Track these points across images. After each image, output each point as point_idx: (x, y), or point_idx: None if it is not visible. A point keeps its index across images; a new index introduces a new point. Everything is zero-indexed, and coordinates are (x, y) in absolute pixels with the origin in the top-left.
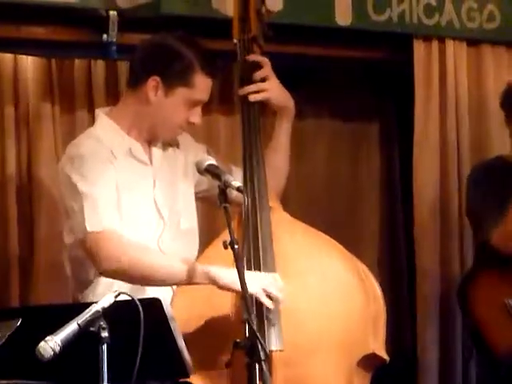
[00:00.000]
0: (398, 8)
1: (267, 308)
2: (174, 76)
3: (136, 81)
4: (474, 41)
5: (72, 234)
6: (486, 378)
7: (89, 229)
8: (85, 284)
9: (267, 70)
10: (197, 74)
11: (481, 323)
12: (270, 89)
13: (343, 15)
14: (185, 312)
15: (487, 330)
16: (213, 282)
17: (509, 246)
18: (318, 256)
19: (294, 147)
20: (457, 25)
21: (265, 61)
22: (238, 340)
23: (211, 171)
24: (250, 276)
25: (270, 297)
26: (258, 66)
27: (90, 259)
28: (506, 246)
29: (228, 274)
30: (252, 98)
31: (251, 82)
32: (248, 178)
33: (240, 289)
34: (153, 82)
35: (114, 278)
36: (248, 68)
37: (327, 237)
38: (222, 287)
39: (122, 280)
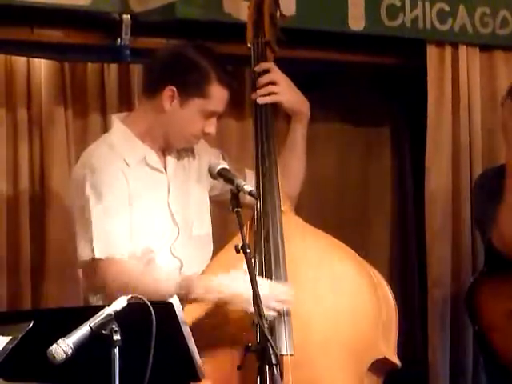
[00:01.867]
0: (411, 13)
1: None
2: (191, 87)
3: (152, 89)
4: (486, 46)
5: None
6: None
7: (96, 254)
8: (98, 287)
9: (275, 74)
10: (213, 85)
11: (487, 330)
12: (280, 92)
13: (356, 20)
14: (196, 315)
15: (494, 337)
16: (218, 300)
17: (505, 245)
18: (328, 260)
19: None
20: (470, 30)
21: (272, 66)
22: (249, 344)
23: (223, 175)
24: (261, 282)
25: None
26: (268, 72)
27: (96, 280)
28: (503, 245)
29: (230, 293)
30: (261, 99)
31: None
32: (260, 181)
33: (239, 307)
34: (169, 91)
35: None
36: (259, 75)
37: (338, 241)
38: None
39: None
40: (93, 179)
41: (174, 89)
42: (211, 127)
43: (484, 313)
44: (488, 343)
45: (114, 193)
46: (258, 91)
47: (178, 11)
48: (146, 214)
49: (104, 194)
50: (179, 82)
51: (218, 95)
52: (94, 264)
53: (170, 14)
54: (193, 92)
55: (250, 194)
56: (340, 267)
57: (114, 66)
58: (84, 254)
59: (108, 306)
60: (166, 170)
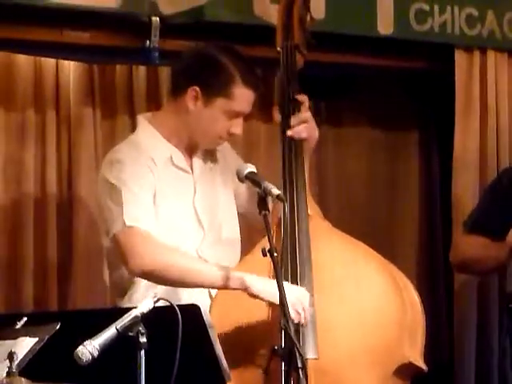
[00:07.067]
0: (440, 18)
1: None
2: (214, 87)
3: (177, 90)
4: None
5: (108, 233)
6: None
7: (127, 223)
8: (123, 290)
9: (309, 112)
10: (237, 85)
11: None
12: (313, 128)
13: (385, 24)
14: (222, 318)
15: None
16: (245, 288)
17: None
18: (354, 265)
19: (333, 155)
20: (498, 35)
21: (305, 99)
22: (276, 347)
23: (251, 178)
24: (288, 287)
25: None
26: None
27: (122, 256)
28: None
29: (262, 284)
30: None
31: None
32: (287, 185)
33: (270, 299)
34: (192, 91)
35: (145, 277)
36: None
37: (365, 245)
38: (253, 295)
39: (150, 280)
40: (119, 171)
41: (198, 89)
42: (237, 128)
43: None
44: None
45: (141, 182)
46: (298, 129)
47: (207, 13)
48: (171, 214)
49: (131, 182)
50: (203, 82)
51: (242, 96)
52: (120, 236)
53: (199, 16)
54: (216, 92)
55: (277, 197)
56: (365, 272)
57: (142, 68)
58: (112, 230)
59: (135, 307)
60: (192, 171)
